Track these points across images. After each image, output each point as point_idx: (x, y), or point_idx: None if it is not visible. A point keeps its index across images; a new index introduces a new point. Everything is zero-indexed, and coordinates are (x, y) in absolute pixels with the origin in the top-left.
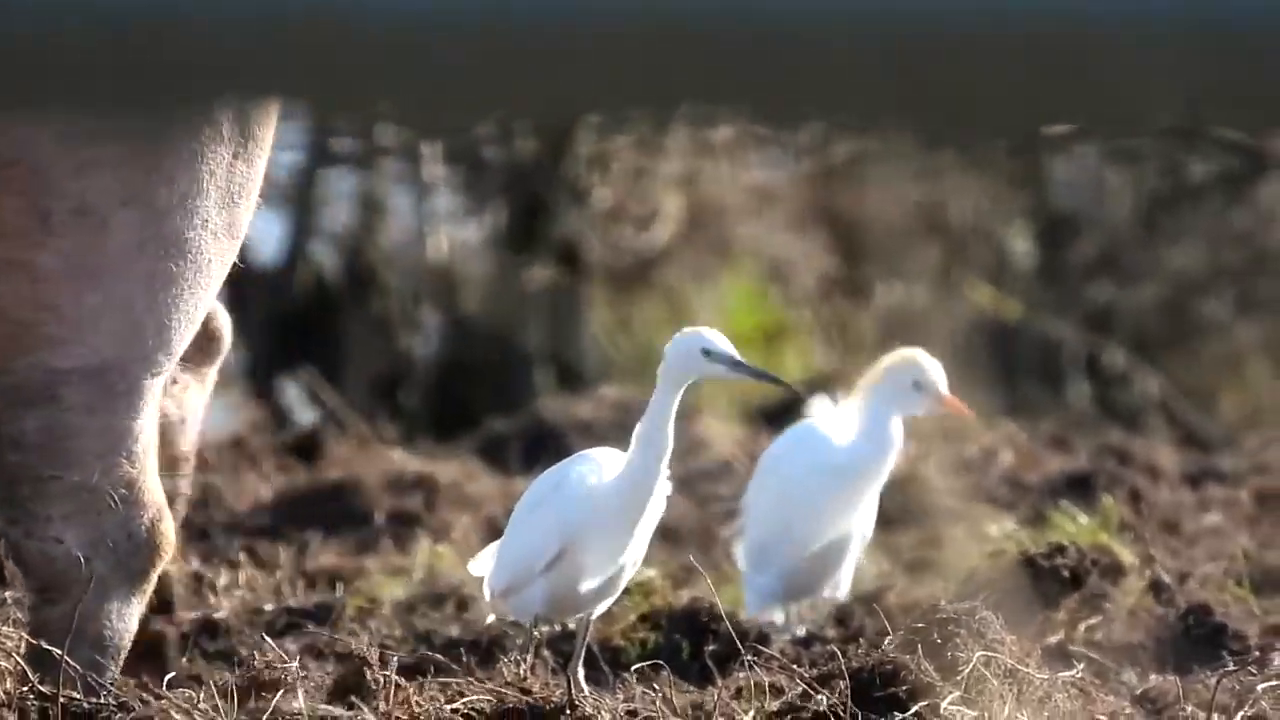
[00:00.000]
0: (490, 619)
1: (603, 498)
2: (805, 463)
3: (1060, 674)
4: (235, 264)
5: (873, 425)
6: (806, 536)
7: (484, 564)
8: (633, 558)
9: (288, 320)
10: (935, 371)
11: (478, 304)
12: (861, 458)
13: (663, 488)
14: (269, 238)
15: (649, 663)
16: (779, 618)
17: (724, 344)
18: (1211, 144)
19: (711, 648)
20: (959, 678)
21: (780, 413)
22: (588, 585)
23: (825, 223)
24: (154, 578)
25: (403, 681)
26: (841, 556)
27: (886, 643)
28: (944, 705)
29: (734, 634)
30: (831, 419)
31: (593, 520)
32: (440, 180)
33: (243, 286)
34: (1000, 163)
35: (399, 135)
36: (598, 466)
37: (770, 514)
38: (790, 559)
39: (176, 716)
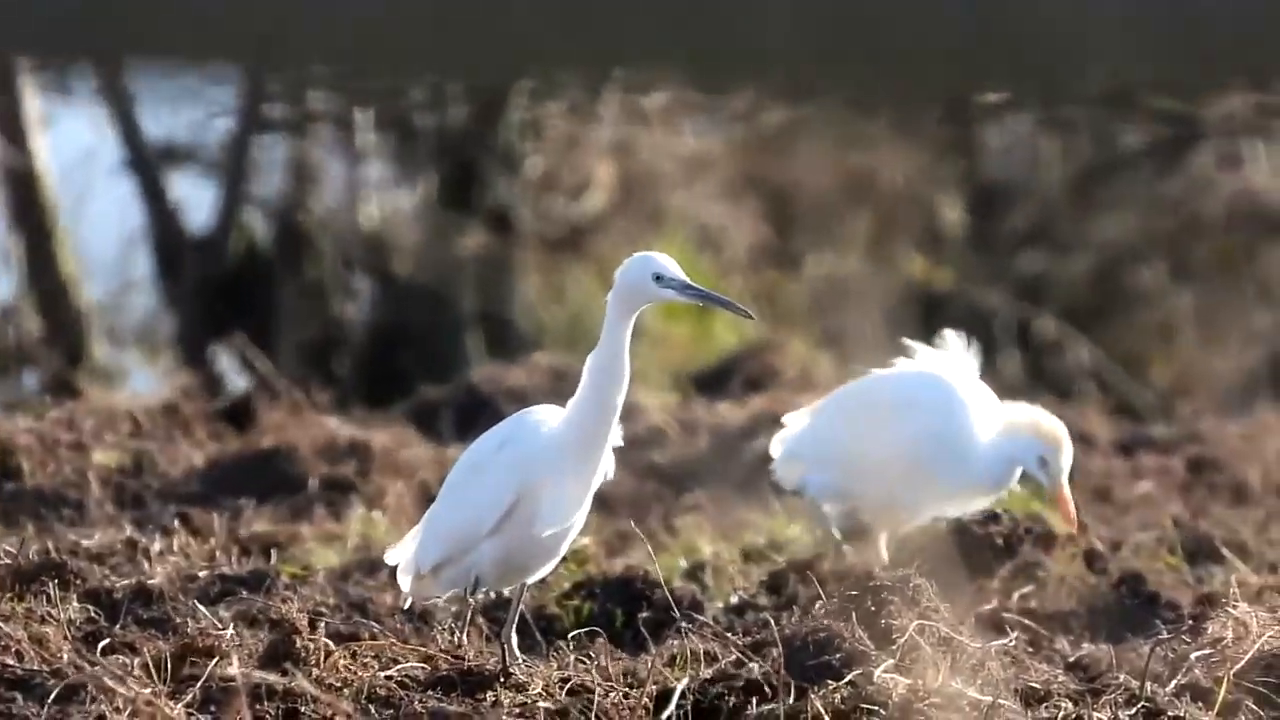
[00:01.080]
0: (408, 603)
1: (560, 439)
2: (942, 449)
3: (994, 642)
4: (167, 231)
5: (998, 467)
6: (907, 503)
7: (402, 551)
8: (581, 514)
9: (220, 287)
10: (1066, 458)
11: (410, 271)
12: (981, 489)
13: (613, 437)
14: (201, 204)
15: (583, 630)
16: (827, 512)
17: (675, 268)
18: (1143, 113)
19: (645, 615)
20: (893, 646)
21: (712, 380)
22: (540, 541)
23: (757, 191)
24: None
25: (335, 648)
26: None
27: (820, 610)
28: (878, 673)
29: (668, 602)
30: (963, 383)
31: (551, 465)
32: (372, 147)
33: (176, 253)
34: (932, 132)
35: (332, 102)
36: (544, 419)
37: (881, 453)
38: (878, 491)
39: (111, 683)
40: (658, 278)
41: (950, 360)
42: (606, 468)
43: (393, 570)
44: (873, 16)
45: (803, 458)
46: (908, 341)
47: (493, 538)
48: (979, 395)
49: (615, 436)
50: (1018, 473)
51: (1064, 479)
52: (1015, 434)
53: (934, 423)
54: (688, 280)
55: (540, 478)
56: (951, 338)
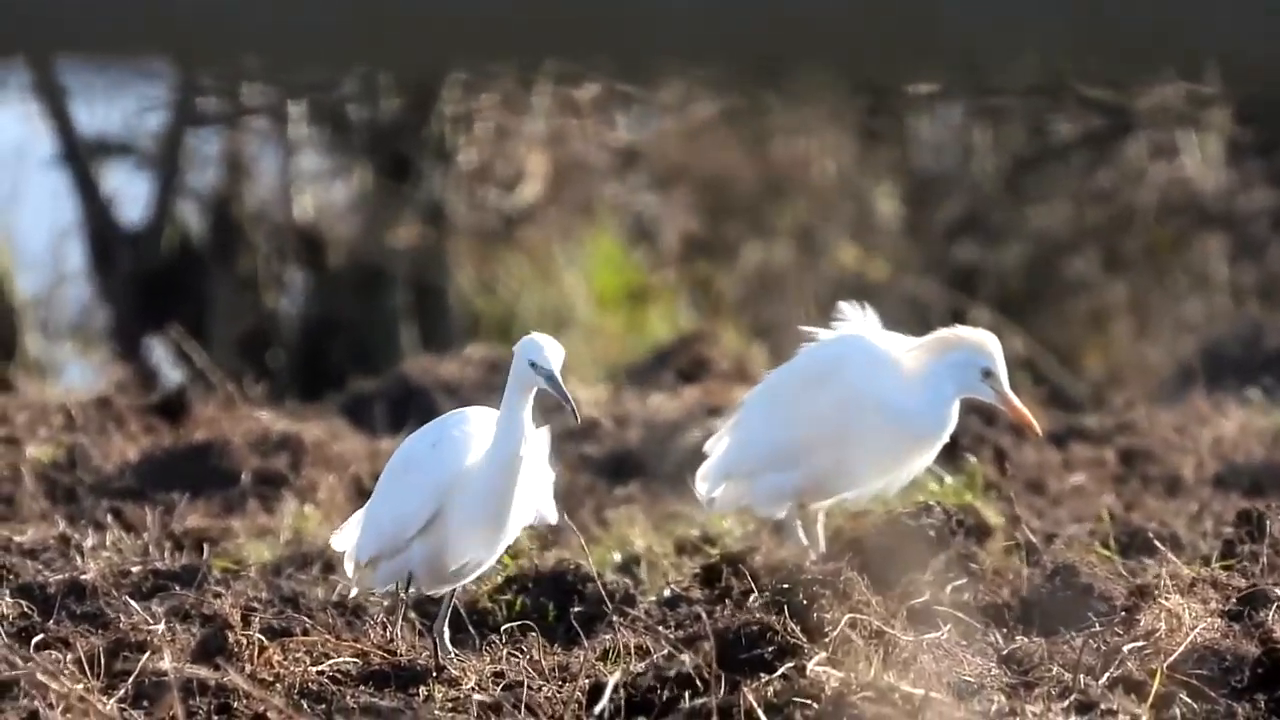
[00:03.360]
0: (354, 592)
1: (475, 465)
2: (871, 402)
3: (926, 635)
4: (101, 224)
5: (937, 402)
6: (855, 474)
7: (346, 537)
8: (513, 526)
9: (154, 280)
10: (1003, 363)
11: (344, 263)
12: (924, 430)
13: (540, 458)
14: (135, 197)
15: (515, 624)
16: (783, 513)
17: (550, 357)
18: (1075, 103)
19: (578, 609)
20: (825, 639)
21: (645, 372)
22: (463, 551)
23: (689, 182)
24: None
25: (268, 643)
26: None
27: (752, 603)
28: (810, 666)
29: (601, 595)
30: (879, 338)
31: (467, 484)
32: (306, 140)
33: (109, 246)
34: (864, 122)
35: (265, 95)
36: (473, 427)
37: (818, 428)
38: (822, 469)
39: (43, 678)
40: (532, 364)
41: (854, 324)
42: (538, 510)
43: (327, 564)
44: (803, 5)
45: (739, 473)
46: (806, 329)
47: (420, 540)
48: (895, 343)
49: (543, 451)
50: (956, 406)
51: (1008, 386)
52: (944, 358)
53: (861, 379)
54: (554, 372)
55: (459, 492)
56: (848, 309)
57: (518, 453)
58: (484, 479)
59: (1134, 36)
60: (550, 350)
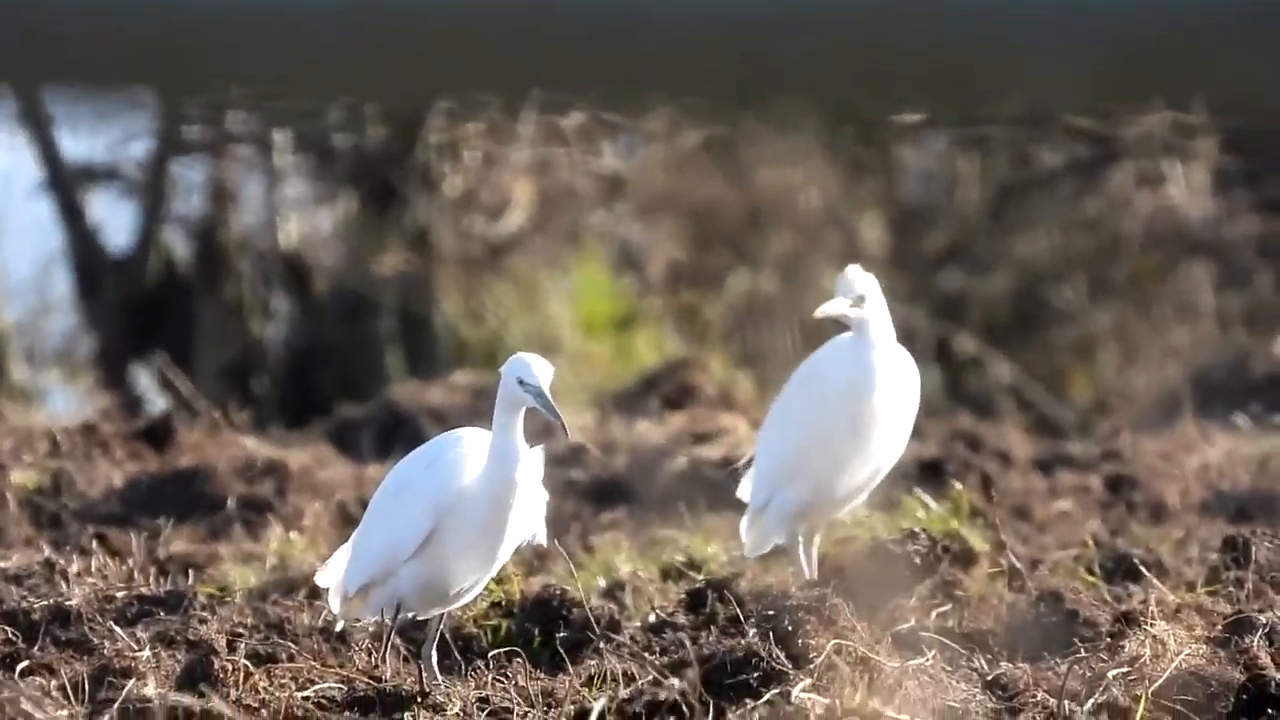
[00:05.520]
0: (340, 625)
1: (471, 486)
2: (840, 379)
3: (911, 661)
4: (86, 251)
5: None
6: (836, 462)
7: (332, 572)
8: (507, 547)
9: (139, 307)
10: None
11: (330, 290)
12: (861, 386)
13: (534, 480)
14: (121, 225)
15: (501, 650)
16: (783, 539)
17: (539, 375)
18: (1062, 131)
19: (563, 634)
20: (811, 665)
21: (632, 398)
22: (459, 573)
23: (676, 210)
24: None
25: (253, 669)
26: (864, 477)
27: (738, 630)
28: (795, 693)
29: (586, 621)
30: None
31: (463, 505)
32: (291, 167)
33: (94, 273)
34: (850, 151)
35: (250, 122)
36: (467, 448)
37: (807, 425)
38: (814, 470)
39: (27, 706)
40: (521, 382)
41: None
42: (530, 531)
43: (312, 590)
44: (788, 34)
45: (761, 504)
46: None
47: (414, 561)
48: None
49: (537, 473)
50: (873, 352)
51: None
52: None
53: (819, 364)
54: (543, 389)
55: (455, 509)
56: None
57: (513, 474)
58: (480, 500)
59: (1123, 65)
60: (538, 368)
